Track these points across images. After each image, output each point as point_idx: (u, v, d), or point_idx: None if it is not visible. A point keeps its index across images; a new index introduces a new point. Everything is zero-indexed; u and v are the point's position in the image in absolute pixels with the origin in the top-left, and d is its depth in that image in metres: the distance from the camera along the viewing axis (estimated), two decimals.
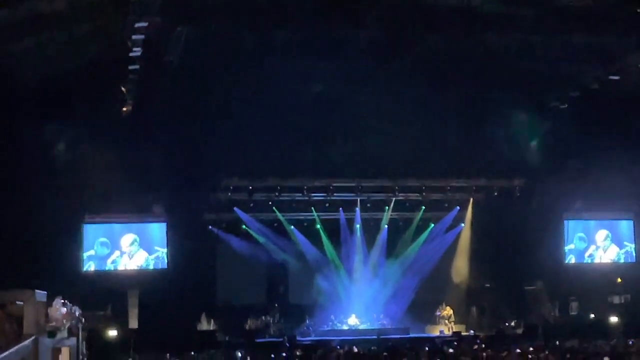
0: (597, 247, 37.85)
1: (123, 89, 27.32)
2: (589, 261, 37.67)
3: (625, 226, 38.03)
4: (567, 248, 37.38)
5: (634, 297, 37.17)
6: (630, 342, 28.51)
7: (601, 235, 37.87)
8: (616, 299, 37.77)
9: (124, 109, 28.72)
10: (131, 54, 24.28)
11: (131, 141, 29.91)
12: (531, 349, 25.51)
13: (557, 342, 28.75)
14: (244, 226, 36.41)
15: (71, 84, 25.87)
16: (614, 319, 34.89)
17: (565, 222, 37.39)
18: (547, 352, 24.22)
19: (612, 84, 28.35)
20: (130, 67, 25.44)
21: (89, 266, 33.21)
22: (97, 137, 29.01)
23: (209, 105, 29.59)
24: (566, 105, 30.97)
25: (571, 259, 37.39)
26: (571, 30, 25.38)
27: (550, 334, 32.33)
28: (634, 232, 37.74)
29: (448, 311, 36.56)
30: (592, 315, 36.34)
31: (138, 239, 33.73)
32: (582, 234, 37.76)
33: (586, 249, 37.77)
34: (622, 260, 37.86)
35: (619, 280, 37.71)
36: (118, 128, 29.37)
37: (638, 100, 29.51)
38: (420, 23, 24.90)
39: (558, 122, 32.10)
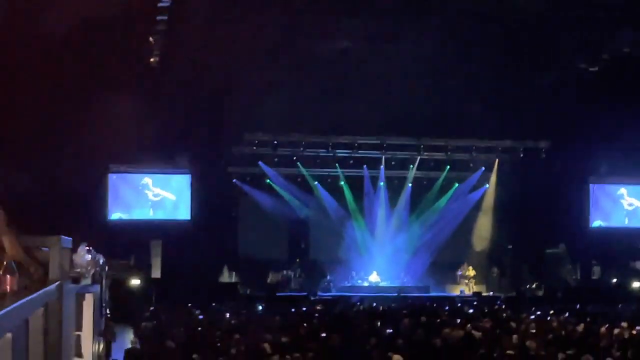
0: (621, 212, 37.65)
1: (151, 39, 27.25)
2: (613, 225, 37.45)
3: None
4: (591, 212, 37.19)
5: None
6: None
7: (626, 200, 37.64)
8: (639, 265, 37.64)
9: (151, 60, 28.68)
10: (160, 5, 24.19)
11: (157, 93, 29.92)
12: (551, 312, 25.52)
13: (578, 306, 28.73)
14: (267, 180, 36.50)
15: (99, 34, 25.82)
16: (636, 284, 34.81)
17: (591, 185, 37.21)
18: (566, 315, 24.24)
19: None
20: (159, 18, 25.35)
21: (114, 215, 33.48)
22: (122, 87, 29.01)
23: (235, 59, 29.49)
24: (596, 68, 30.64)
25: (595, 223, 37.21)
26: None
27: (571, 297, 32.31)
28: None
29: (471, 272, 36.55)
30: (614, 280, 36.25)
31: (162, 190, 33.91)
32: (606, 199, 37.55)
33: (610, 213, 37.57)
34: None
35: None
36: (144, 79, 29.37)
37: None
38: None
39: (587, 85, 31.77)
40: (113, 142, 30.09)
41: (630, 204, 37.62)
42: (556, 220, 35.60)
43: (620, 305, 29.46)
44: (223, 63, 29.02)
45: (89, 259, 12.57)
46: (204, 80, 29.82)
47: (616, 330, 19.35)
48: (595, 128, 33.26)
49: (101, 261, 17.48)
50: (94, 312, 9.22)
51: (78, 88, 27.49)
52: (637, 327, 20.31)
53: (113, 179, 33.57)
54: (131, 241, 31.58)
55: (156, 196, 33.81)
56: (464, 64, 30.07)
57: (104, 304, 17.76)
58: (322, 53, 28.76)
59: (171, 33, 26.54)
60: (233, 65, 29.27)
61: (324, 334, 18.09)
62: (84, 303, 9.13)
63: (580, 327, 20.31)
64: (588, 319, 22.72)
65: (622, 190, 37.66)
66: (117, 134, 29.21)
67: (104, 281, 17.71)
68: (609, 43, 28.92)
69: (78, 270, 9.64)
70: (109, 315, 20.19)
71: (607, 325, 20.22)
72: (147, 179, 33.90)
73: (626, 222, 37.56)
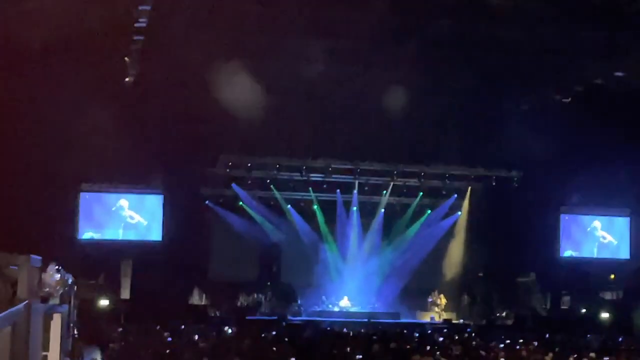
0: (592, 243, 37.88)
1: (126, 59, 27.17)
2: (584, 256, 37.67)
3: (621, 223, 38.05)
4: (561, 242, 37.40)
5: (626, 294, 37.26)
6: (620, 339, 28.61)
7: (596, 231, 37.89)
8: (608, 295, 37.92)
9: (127, 79, 28.58)
10: (136, 25, 24.14)
11: (131, 112, 29.79)
12: (520, 340, 25.57)
13: (547, 335, 28.81)
14: (240, 203, 36.41)
15: (73, 50, 25.71)
16: (605, 315, 35.00)
17: (562, 215, 37.45)
18: (536, 344, 24.29)
19: (617, 81, 28.27)
20: (135, 38, 25.29)
21: (85, 235, 33.23)
22: (97, 106, 28.86)
23: (210, 79, 29.43)
24: (569, 100, 30.90)
25: (565, 253, 37.39)
26: (578, 25, 25.27)
27: (540, 326, 32.41)
28: (630, 229, 37.75)
29: (442, 299, 36.61)
30: (584, 310, 36.44)
31: (134, 210, 33.72)
32: (577, 229, 37.79)
33: (581, 243, 37.79)
34: (616, 257, 37.86)
35: (612, 276, 37.81)
36: (119, 98, 29.24)
37: None
38: (428, 9, 24.77)
39: (560, 116, 32.02)
40: (85, 161, 29.94)
41: (603, 237, 37.86)
42: (527, 249, 35.78)
43: (588, 336, 29.59)
44: (198, 84, 28.95)
45: (58, 278, 12.44)
46: (178, 101, 29.73)
47: None
48: (567, 158, 33.54)
49: (70, 281, 17.31)
50: (61, 333, 9.09)
51: (51, 106, 27.35)
52: (605, 358, 20.43)
53: (85, 198, 33.34)
54: (101, 261, 31.39)
55: (131, 219, 33.61)
56: (438, 91, 30.22)
57: (72, 324, 17.57)
58: (299, 77, 28.75)
59: (146, 52, 26.46)
60: (208, 86, 29.19)
61: (293, 359, 18.01)
62: (52, 323, 9.01)
63: (549, 357, 20.38)
64: (556, 349, 22.79)
65: (596, 223, 37.89)
66: (90, 153, 29.08)
67: (72, 301, 17.53)
68: (582, 74, 29.17)
69: (47, 289, 9.53)
70: (77, 336, 19.99)
71: (575, 355, 20.31)
72: (124, 201, 33.71)
73: (595, 253, 37.78)
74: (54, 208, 30.25)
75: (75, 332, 19.62)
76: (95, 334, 23.33)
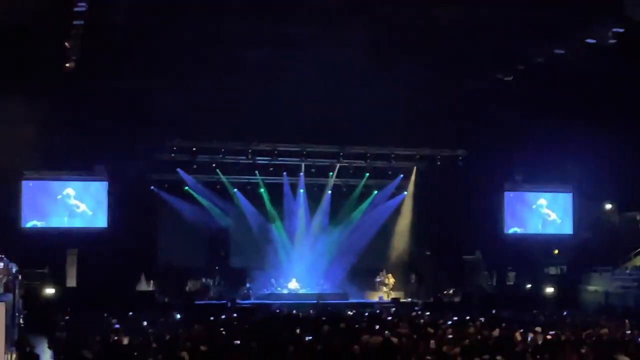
0: (537, 219, 38.39)
1: (67, 44, 26.78)
2: (529, 232, 38.17)
3: (564, 199, 38.64)
4: (506, 219, 37.85)
5: (569, 269, 37.92)
6: (565, 313, 29.14)
7: (539, 207, 38.41)
8: (552, 270, 38.53)
9: (68, 65, 28.17)
10: (76, 9, 23.79)
11: (74, 98, 29.42)
12: (467, 317, 25.87)
13: (494, 311, 29.21)
14: (186, 187, 36.18)
15: (13, 38, 25.30)
16: (549, 290, 35.60)
17: (506, 193, 37.89)
18: (482, 321, 24.59)
19: (558, 59, 28.60)
20: (75, 23, 24.92)
21: (29, 223, 32.77)
22: (39, 93, 28.46)
23: (154, 64, 29.15)
24: (511, 78, 31.20)
25: (510, 230, 37.85)
26: (520, 4, 25.48)
27: (487, 303, 32.86)
28: (572, 204, 38.34)
29: (390, 279, 36.84)
30: (529, 286, 36.99)
31: (78, 198, 33.34)
32: (521, 206, 38.28)
33: (526, 220, 38.29)
34: (559, 232, 38.44)
35: (556, 251, 38.42)
36: (61, 85, 28.84)
37: (582, 76, 29.83)
38: None
39: (503, 95, 32.32)
40: (27, 148, 29.53)
41: (548, 215, 38.39)
42: (473, 227, 36.16)
43: (534, 311, 30.06)
44: (142, 68, 28.68)
45: (2, 267, 12.32)
46: (122, 86, 29.42)
47: (530, 335, 19.75)
48: (510, 137, 33.94)
49: (14, 270, 17.13)
50: (6, 322, 8.99)
51: None
52: (551, 332, 20.77)
53: (29, 186, 32.86)
54: (46, 249, 31.01)
55: (77, 207, 33.22)
56: (383, 72, 30.28)
57: (17, 314, 17.40)
58: (244, 59, 28.64)
59: (89, 38, 26.09)
60: (152, 70, 28.93)
61: (242, 342, 18.02)
62: None
63: (496, 333, 20.65)
64: (503, 325, 23.10)
65: (542, 200, 38.41)
66: (32, 140, 28.68)
67: (17, 290, 17.36)
68: (524, 53, 29.45)
69: None
70: (22, 325, 19.80)
71: (521, 330, 20.62)
72: (70, 190, 33.29)
73: (540, 229, 38.31)
74: None
75: (21, 321, 19.46)
76: (42, 322, 23.16)
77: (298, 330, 20.89)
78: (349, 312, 28.65)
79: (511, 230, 37.95)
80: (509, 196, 38.05)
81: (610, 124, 31.70)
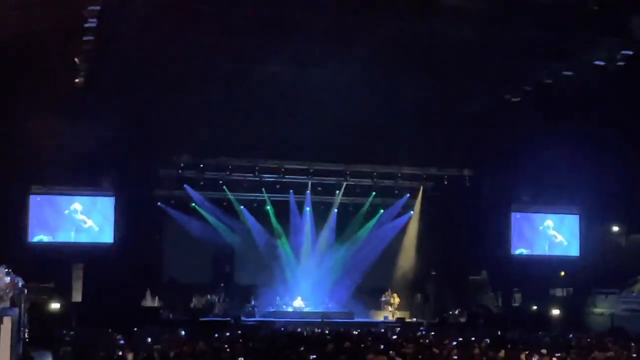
0: (544, 241, 38.29)
1: (76, 60, 26.87)
2: (535, 254, 38.05)
3: (571, 221, 38.53)
4: (513, 240, 37.75)
5: (576, 291, 37.76)
6: (570, 335, 28.97)
7: (546, 229, 38.32)
8: (558, 292, 38.37)
9: (77, 80, 28.26)
10: (86, 25, 23.89)
11: (82, 113, 29.47)
12: (473, 338, 25.77)
13: (499, 332, 29.07)
14: (193, 204, 36.22)
15: (23, 52, 25.39)
16: (555, 312, 35.44)
17: (513, 214, 37.81)
18: (488, 342, 24.49)
19: (566, 80, 28.60)
20: (85, 39, 25.01)
21: (35, 238, 32.81)
22: (47, 107, 28.53)
23: (163, 80, 29.23)
24: (519, 99, 31.20)
25: (517, 251, 37.74)
26: (528, 25, 25.51)
27: (492, 324, 32.71)
28: (579, 227, 38.24)
29: (395, 299, 36.78)
30: (535, 307, 36.84)
31: (85, 213, 33.40)
32: (528, 227, 38.18)
33: (533, 241, 38.19)
34: (566, 254, 38.32)
35: (562, 273, 38.29)
36: (69, 99, 28.90)
37: (590, 97, 29.81)
38: (379, 9, 24.84)
39: (511, 115, 32.31)
40: (35, 162, 29.58)
41: (555, 237, 38.29)
42: (479, 248, 36.11)
43: (540, 332, 29.92)
44: (150, 84, 28.75)
45: (8, 281, 12.32)
46: (130, 101, 29.49)
47: (535, 357, 19.65)
48: (518, 158, 33.90)
49: (20, 284, 17.11)
50: (12, 336, 8.99)
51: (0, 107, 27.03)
52: (557, 354, 20.66)
53: (36, 200, 32.94)
54: (52, 264, 30.99)
55: (84, 223, 33.28)
56: (390, 91, 30.31)
57: (22, 328, 17.38)
58: (251, 76, 28.69)
59: (98, 53, 26.19)
60: (160, 86, 29.00)
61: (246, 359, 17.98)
62: (2, 326, 8.92)
63: (501, 354, 20.56)
64: (509, 346, 22.99)
65: (549, 222, 38.32)
66: (40, 154, 28.73)
67: (22, 304, 17.33)
68: (531, 73, 29.45)
69: None
70: (27, 339, 19.76)
71: (527, 352, 20.52)
72: (77, 205, 33.37)
73: (546, 250, 38.20)
74: (4, 211, 29.84)
75: (26, 335, 19.42)
76: (47, 337, 23.12)
77: (302, 349, 20.82)
78: (354, 331, 28.55)
79: (517, 251, 37.83)
80: (515, 217, 37.96)
81: (618, 146, 31.64)
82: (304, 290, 36.92)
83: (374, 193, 37.79)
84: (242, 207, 36.94)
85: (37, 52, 25.33)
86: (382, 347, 21.43)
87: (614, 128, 31.53)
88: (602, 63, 26.82)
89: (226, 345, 22.18)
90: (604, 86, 28.28)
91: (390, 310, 36.52)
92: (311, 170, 36.38)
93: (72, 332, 25.47)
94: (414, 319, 35.84)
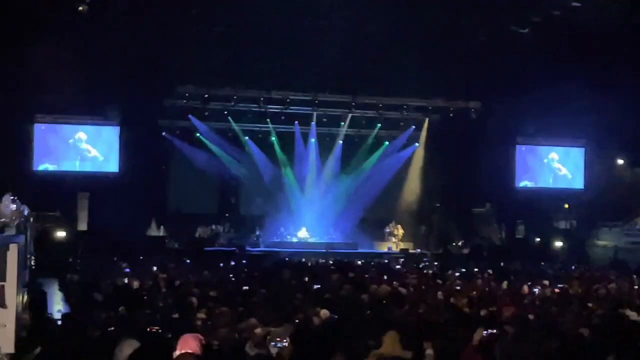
0: (548, 173, 38.28)
1: None
2: (540, 186, 38.08)
3: (576, 154, 38.48)
4: (517, 172, 37.75)
5: (579, 223, 37.90)
6: (573, 267, 29.20)
7: (551, 161, 38.28)
8: (562, 224, 38.50)
9: (80, 8, 27.98)
10: None
11: (86, 42, 29.25)
12: (476, 269, 25.98)
13: (502, 264, 29.29)
14: (198, 134, 36.19)
15: None
16: (558, 244, 35.62)
17: (518, 147, 37.75)
18: (490, 273, 24.71)
19: (574, 11, 28.27)
20: None
21: (41, 166, 32.87)
22: (51, 35, 28.30)
23: (168, 10, 28.97)
24: (526, 30, 30.90)
25: (521, 184, 37.77)
26: None
27: (495, 255, 32.92)
28: (584, 159, 38.20)
29: (399, 230, 36.95)
30: (538, 239, 37.01)
31: (90, 142, 33.39)
32: (533, 160, 38.15)
33: (537, 174, 38.18)
34: (570, 187, 38.34)
35: (566, 206, 38.37)
36: (73, 27, 28.66)
37: (598, 30, 29.50)
38: None
39: (517, 48, 32.03)
40: (39, 91, 29.46)
41: (559, 169, 38.27)
42: (484, 180, 36.07)
43: (542, 264, 30.15)
44: (156, 14, 28.50)
45: (14, 208, 12.38)
46: (135, 30, 29.23)
47: (538, 288, 19.84)
48: (524, 90, 33.63)
49: (26, 212, 17.21)
50: (18, 263, 9.05)
51: (3, 35, 26.78)
52: (559, 286, 20.85)
53: (41, 129, 32.90)
54: (58, 193, 31.10)
55: (88, 152, 33.28)
56: (396, 22, 30.02)
57: (29, 255, 17.53)
58: (256, 8, 28.41)
59: None
60: (166, 16, 28.75)
61: (250, 288, 18.15)
62: (8, 253, 8.95)
63: (504, 285, 20.76)
64: (511, 277, 23.21)
65: (554, 154, 38.26)
66: (44, 83, 28.58)
67: (28, 232, 17.46)
68: (539, 4, 29.12)
69: (2, 220, 9.48)
70: (33, 267, 19.95)
71: (529, 283, 20.71)
72: (82, 134, 33.33)
73: (551, 183, 38.21)
74: (9, 139, 29.80)
75: (32, 263, 19.60)
76: (53, 265, 23.34)
77: (307, 279, 21.02)
78: (358, 262, 28.77)
79: (522, 184, 37.88)
80: (520, 149, 37.91)
81: (625, 79, 31.42)
82: (309, 221, 37.09)
83: (379, 125, 37.67)
84: (247, 137, 36.89)
85: None
86: (385, 277, 21.63)
87: (622, 62, 31.29)
88: None
89: (231, 275, 22.41)
90: (613, 18, 27.94)
91: (394, 242, 36.72)
92: (316, 102, 36.17)
93: (78, 260, 25.70)
94: (418, 250, 36.06)
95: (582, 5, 27.93)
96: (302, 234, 36.65)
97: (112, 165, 33.52)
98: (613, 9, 27.01)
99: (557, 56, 31.39)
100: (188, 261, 27.51)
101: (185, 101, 34.78)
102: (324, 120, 37.17)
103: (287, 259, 29.60)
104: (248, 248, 33.68)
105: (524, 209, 37.38)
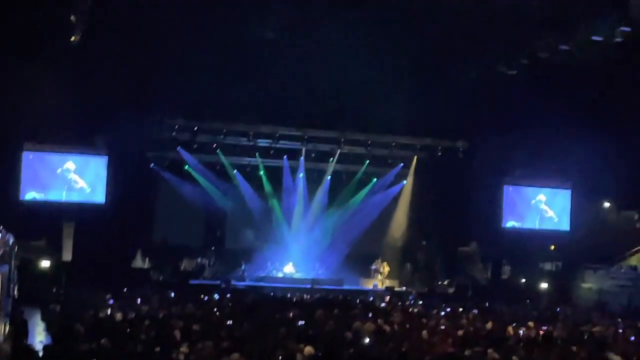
0: (535, 215, 38.34)
1: (73, 17, 26.68)
2: (526, 227, 38.12)
3: (563, 196, 38.57)
4: (504, 213, 37.81)
5: (565, 265, 37.94)
6: (558, 309, 29.18)
7: (538, 203, 38.36)
8: (548, 266, 38.55)
9: (72, 38, 28.07)
10: None
11: (77, 72, 29.29)
12: (461, 309, 25.94)
13: (487, 304, 29.26)
14: (186, 167, 36.17)
15: (19, 9, 25.20)
16: (544, 285, 35.63)
17: (505, 187, 37.84)
18: (476, 312, 24.66)
19: (562, 54, 28.51)
20: None
21: (28, 195, 32.70)
22: (42, 65, 28.35)
23: (159, 42, 29.04)
24: (515, 72, 31.12)
25: (508, 224, 37.80)
26: None
27: (481, 295, 32.91)
28: (571, 202, 38.30)
29: (385, 267, 36.92)
30: (523, 280, 37.02)
31: (77, 172, 33.28)
32: (520, 200, 38.23)
33: (524, 214, 38.25)
34: (556, 229, 38.40)
35: (552, 247, 38.44)
36: (64, 57, 28.72)
37: (586, 72, 29.74)
38: None
39: (506, 89, 32.23)
40: (28, 120, 29.45)
41: (546, 211, 38.34)
42: (470, 219, 36.15)
43: (527, 305, 30.12)
44: (146, 46, 28.57)
45: None
46: (125, 62, 29.30)
47: (522, 329, 19.82)
48: (511, 131, 33.82)
49: (11, 241, 17.12)
50: (1, 292, 8.99)
51: None
52: (543, 327, 20.83)
53: (29, 158, 32.79)
54: (44, 222, 30.96)
55: (75, 183, 33.15)
56: (386, 60, 30.20)
57: (12, 284, 17.43)
58: (247, 41, 28.55)
59: (93, 13, 26.01)
60: (156, 48, 28.84)
61: (234, 322, 18.08)
62: None
63: (489, 325, 20.70)
64: (496, 317, 23.16)
65: (541, 196, 38.33)
66: (33, 112, 28.58)
67: (12, 261, 17.37)
68: (528, 46, 29.34)
69: None
70: (17, 296, 19.82)
71: (514, 324, 20.68)
72: (70, 164, 33.20)
73: (537, 224, 38.27)
74: None
75: (16, 292, 19.48)
76: (36, 294, 23.21)
77: (291, 314, 20.94)
78: (343, 298, 28.68)
79: (509, 224, 37.91)
80: (508, 190, 38.00)
81: (611, 122, 31.67)
82: (295, 256, 37.01)
83: (367, 161, 37.74)
84: (235, 171, 36.89)
85: (33, 8, 25.16)
86: (370, 314, 21.57)
87: (609, 105, 31.54)
88: (599, 39, 26.68)
89: (215, 308, 22.31)
90: (600, 62, 28.19)
91: (380, 279, 36.66)
92: (305, 137, 36.28)
93: (61, 291, 25.55)
94: (403, 288, 35.98)
95: (570, 48, 28.17)
96: (289, 269, 36.55)
97: (99, 196, 33.36)
98: (601, 52, 27.22)
99: (544, 98, 31.60)
100: (172, 294, 27.36)
101: (174, 133, 34.79)
102: (313, 155, 37.21)
103: (272, 293, 29.50)
104: (233, 282, 33.53)
105: (510, 249, 37.42)
